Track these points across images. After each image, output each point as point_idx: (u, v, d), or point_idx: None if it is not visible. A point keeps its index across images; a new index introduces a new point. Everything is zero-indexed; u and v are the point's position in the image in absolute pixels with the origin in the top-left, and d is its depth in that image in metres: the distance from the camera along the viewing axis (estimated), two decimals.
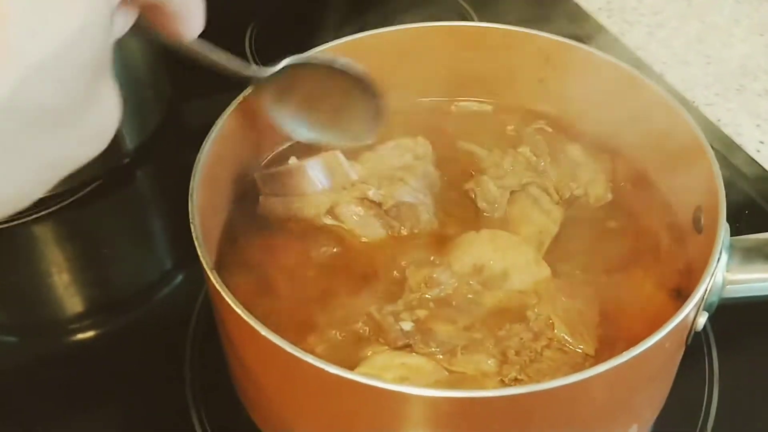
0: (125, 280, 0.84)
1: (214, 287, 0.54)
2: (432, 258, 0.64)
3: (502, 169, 0.70)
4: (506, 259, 0.64)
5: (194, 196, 0.59)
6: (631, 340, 0.52)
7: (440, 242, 0.66)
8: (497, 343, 0.58)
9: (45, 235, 0.89)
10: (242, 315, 0.51)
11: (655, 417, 0.64)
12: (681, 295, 0.62)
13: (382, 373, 0.57)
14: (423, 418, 0.51)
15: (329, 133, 0.68)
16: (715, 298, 0.58)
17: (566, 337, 0.59)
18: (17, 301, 0.83)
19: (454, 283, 0.61)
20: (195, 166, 0.61)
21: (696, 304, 0.54)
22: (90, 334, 0.79)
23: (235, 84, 0.96)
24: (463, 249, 0.64)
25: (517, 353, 0.58)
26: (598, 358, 0.58)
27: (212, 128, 0.64)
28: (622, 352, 0.50)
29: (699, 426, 0.67)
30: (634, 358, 0.50)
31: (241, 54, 1.03)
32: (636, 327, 0.60)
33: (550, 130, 0.74)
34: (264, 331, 0.50)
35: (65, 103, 0.38)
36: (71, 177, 0.84)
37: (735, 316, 0.63)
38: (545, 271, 0.63)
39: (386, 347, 0.58)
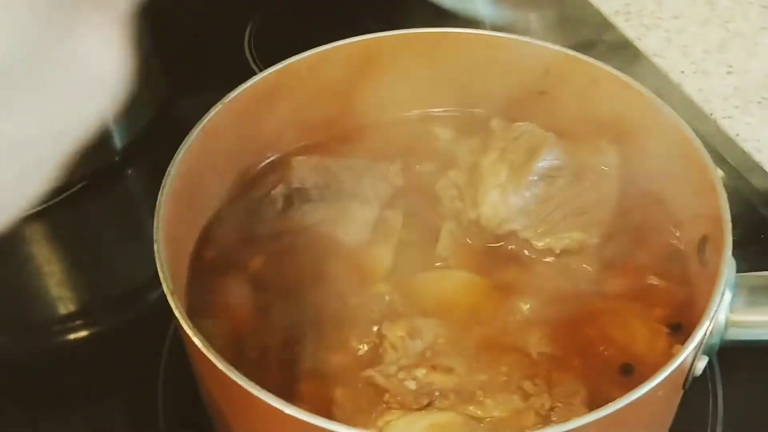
0: (114, 280, 0.83)
1: (188, 338, 0.50)
2: (398, 308, 0.60)
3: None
4: (468, 294, 0.62)
5: (161, 212, 0.56)
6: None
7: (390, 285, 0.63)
8: (508, 378, 0.56)
9: (32, 234, 0.87)
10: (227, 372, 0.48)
11: None
12: (681, 330, 0.59)
13: None
14: None
15: None
16: (716, 340, 0.54)
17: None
18: (4, 300, 0.81)
19: (434, 329, 0.58)
20: (164, 179, 0.58)
21: (694, 348, 0.50)
22: (78, 334, 0.79)
23: (231, 82, 0.93)
24: (422, 293, 0.62)
25: (534, 383, 0.55)
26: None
27: (184, 141, 0.61)
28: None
29: None
30: (627, 405, 0.47)
31: (240, 52, 1.02)
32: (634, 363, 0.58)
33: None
34: (256, 391, 0.47)
35: None
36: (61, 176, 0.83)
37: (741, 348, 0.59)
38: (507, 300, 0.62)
39: (398, 410, 0.54)
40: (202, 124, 0.62)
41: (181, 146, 0.60)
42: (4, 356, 0.77)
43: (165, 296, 0.77)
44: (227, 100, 0.64)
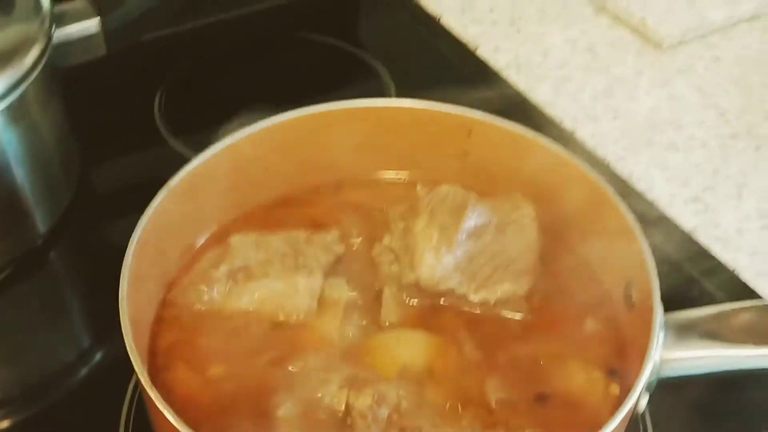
0: (43, 365, 0.82)
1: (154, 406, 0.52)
2: (359, 374, 0.62)
3: None
4: (420, 352, 0.65)
5: (125, 302, 0.57)
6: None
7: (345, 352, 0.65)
8: (472, 430, 0.59)
9: None
10: None
11: None
12: (616, 374, 0.63)
13: None
14: None
15: None
16: (654, 378, 0.59)
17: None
18: None
19: (396, 392, 0.60)
20: (123, 267, 0.59)
21: (641, 388, 0.55)
22: (5, 424, 0.77)
23: (145, 142, 0.94)
24: (377, 356, 0.65)
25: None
26: None
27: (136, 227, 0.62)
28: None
29: None
30: None
31: (150, 120, 1.03)
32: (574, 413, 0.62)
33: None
34: None
35: None
36: None
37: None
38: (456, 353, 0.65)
39: None
40: (151, 209, 0.63)
41: (134, 233, 0.62)
42: None
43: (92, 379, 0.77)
44: (172, 183, 0.66)
